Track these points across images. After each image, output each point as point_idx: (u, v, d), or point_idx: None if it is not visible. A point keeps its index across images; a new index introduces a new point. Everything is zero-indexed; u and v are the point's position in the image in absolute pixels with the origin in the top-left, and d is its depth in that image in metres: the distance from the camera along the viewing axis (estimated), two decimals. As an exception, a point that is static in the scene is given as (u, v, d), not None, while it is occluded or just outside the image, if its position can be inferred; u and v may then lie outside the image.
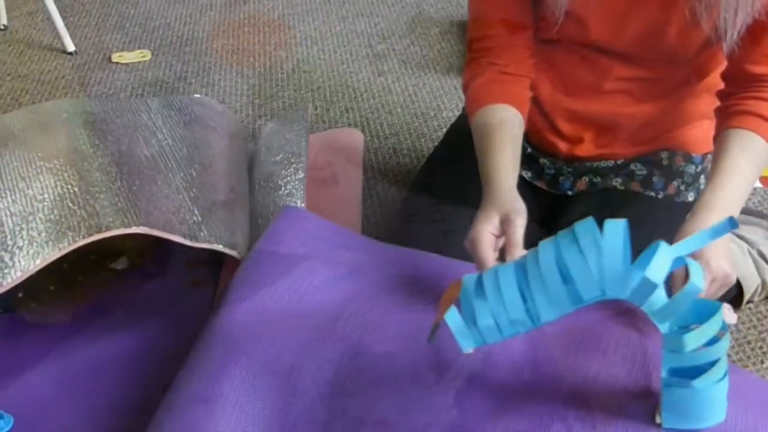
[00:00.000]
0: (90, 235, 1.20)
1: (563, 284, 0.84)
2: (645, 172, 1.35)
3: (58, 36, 2.61)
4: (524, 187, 1.42)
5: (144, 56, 2.55)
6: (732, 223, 0.83)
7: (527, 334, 0.92)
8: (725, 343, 0.84)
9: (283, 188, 1.48)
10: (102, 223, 1.22)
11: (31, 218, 1.25)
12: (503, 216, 1.05)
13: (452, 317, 0.88)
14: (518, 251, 1.01)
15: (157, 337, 1.34)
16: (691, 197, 1.37)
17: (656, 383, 0.94)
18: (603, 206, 1.34)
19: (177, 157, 1.44)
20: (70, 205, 1.26)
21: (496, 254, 1.03)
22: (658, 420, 0.89)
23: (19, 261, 1.19)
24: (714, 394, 0.86)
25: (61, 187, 1.30)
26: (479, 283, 0.89)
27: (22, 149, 1.39)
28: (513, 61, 1.28)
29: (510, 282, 0.87)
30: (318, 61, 2.48)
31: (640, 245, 1.25)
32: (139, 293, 1.46)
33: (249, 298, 1.13)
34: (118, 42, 2.66)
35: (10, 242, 1.21)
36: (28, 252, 1.20)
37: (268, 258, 1.19)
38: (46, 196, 1.28)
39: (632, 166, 1.36)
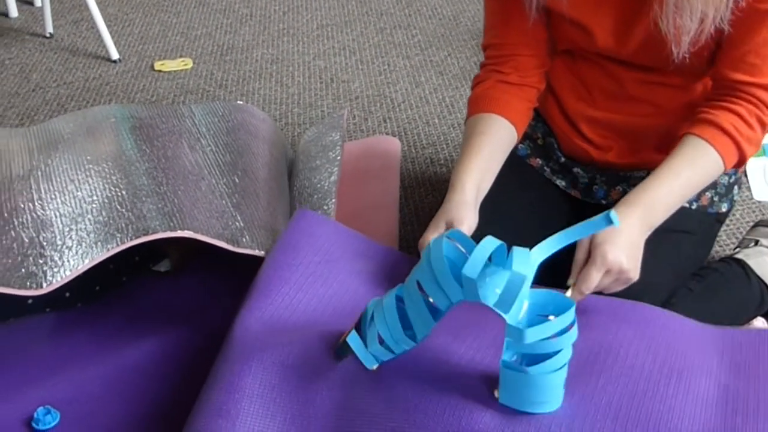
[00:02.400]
0: (137, 237, 1.24)
1: (423, 301, 0.93)
2: (678, 182, 1.36)
3: (102, 44, 2.66)
4: (558, 196, 1.44)
5: (186, 64, 2.60)
6: (608, 220, 0.82)
7: None
8: (570, 336, 0.86)
9: (318, 193, 1.51)
10: (149, 226, 1.25)
11: (80, 219, 1.28)
12: (449, 224, 1.14)
13: (353, 340, 0.99)
14: None
15: (198, 339, 1.36)
16: (724, 208, 1.38)
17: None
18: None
19: (220, 163, 1.47)
20: (118, 207, 1.30)
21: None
22: (496, 394, 0.92)
23: (68, 260, 1.22)
24: (549, 383, 0.88)
25: (110, 190, 1.34)
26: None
27: (71, 152, 1.43)
28: (517, 70, 1.30)
29: (391, 307, 0.95)
30: (356, 71, 2.51)
31: (671, 255, 1.27)
32: (180, 295, 1.49)
33: (264, 307, 1.14)
34: (160, 50, 2.72)
35: (59, 242, 1.25)
36: (77, 252, 1.23)
37: (284, 266, 1.20)
38: (95, 198, 1.32)
39: (665, 177, 1.37)
